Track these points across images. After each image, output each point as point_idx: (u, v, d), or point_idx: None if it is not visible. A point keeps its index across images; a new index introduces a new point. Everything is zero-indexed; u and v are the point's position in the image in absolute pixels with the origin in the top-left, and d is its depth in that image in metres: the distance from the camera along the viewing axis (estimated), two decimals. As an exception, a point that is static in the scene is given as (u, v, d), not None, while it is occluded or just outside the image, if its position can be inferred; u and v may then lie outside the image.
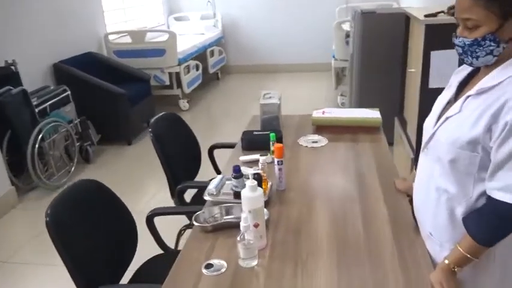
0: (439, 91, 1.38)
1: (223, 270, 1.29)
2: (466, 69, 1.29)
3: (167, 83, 5.18)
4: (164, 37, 5.32)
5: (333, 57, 5.03)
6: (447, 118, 1.22)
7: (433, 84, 2.59)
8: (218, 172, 2.67)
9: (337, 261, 1.30)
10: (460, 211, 1.20)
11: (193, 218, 1.53)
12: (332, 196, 1.69)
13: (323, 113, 2.38)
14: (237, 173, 1.58)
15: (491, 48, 1.10)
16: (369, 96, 3.79)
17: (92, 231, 1.56)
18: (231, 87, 6.66)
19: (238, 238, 1.29)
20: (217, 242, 1.44)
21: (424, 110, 2.60)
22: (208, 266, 1.31)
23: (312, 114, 2.39)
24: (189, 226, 2.49)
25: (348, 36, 4.16)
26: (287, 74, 6.95)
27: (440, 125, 1.24)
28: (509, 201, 1.07)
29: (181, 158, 2.33)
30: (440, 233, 1.26)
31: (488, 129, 1.09)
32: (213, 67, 6.39)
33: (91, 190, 1.67)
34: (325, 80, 6.54)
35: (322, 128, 2.33)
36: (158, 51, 5.04)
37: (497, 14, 1.06)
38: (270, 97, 2.30)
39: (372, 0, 6.59)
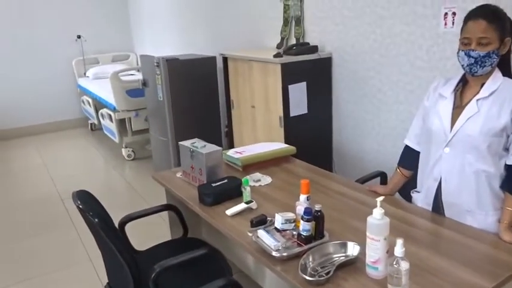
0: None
1: (396, 304, 1.24)
2: (449, 82, 1.73)
3: None
4: None
5: (113, 109, 4.74)
6: (469, 118, 1.62)
7: (293, 112, 3.01)
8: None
9: (439, 245, 1.47)
10: (496, 183, 1.62)
11: (299, 272, 1.33)
12: (356, 215, 1.77)
13: (240, 153, 2.38)
14: (310, 216, 1.47)
15: (493, 59, 1.57)
16: (187, 135, 3.84)
17: None
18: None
19: (391, 265, 1.26)
20: (347, 285, 1.33)
21: (290, 134, 3.00)
22: (382, 308, 1.22)
23: (229, 155, 2.36)
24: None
25: (144, 84, 4.08)
26: (34, 138, 5.97)
27: (463, 124, 1.63)
28: None
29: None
30: (484, 205, 1.64)
31: (511, 118, 1.56)
32: None
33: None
34: (83, 137, 5.98)
35: (247, 166, 2.32)
36: None
37: (499, 36, 1.55)
38: (205, 146, 2.12)
39: (109, 52, 6.56)
